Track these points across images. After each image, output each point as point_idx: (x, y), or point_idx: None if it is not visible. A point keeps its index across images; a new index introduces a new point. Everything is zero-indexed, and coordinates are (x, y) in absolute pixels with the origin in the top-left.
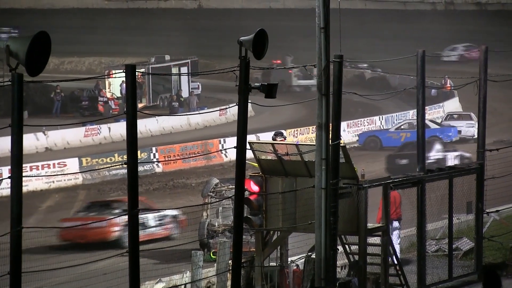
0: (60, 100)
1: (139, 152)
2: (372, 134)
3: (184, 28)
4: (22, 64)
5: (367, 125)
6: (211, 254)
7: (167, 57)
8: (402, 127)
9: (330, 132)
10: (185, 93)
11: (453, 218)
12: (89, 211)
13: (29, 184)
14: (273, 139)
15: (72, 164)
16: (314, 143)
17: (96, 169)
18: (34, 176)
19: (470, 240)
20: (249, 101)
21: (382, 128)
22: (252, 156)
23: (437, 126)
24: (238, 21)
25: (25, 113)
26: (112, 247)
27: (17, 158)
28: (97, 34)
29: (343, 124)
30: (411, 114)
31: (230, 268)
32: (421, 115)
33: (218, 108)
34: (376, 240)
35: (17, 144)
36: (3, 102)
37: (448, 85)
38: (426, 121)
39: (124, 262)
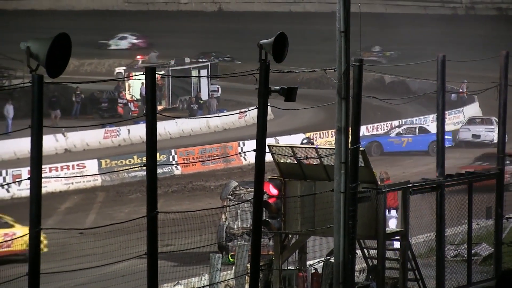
0: (80, 102)
1: (158, 154)
2: (373, 139)
3: (204, 30)
4: (43, 66)
5: (387, 130)
6: (230, 257)
7: (187, 60)
8: (401, 132)
9: (350, 136)
10: (204, 96)
11: (473, 223)
12: (482, 161)
13: (48, 186)
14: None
15: (91, 165)
16: (333, 147)
17: (115, 171)
18: (53, 178)
19: (489, 245)
20: (269, 104)
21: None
22: (271, 159)
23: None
24: (258, 24)
25: (57, 112)
26: None
27: (36, 159)
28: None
29: (362, 128)
30: (431, 119)
31: (248, 271)
32: (441, 120)
33: (237, 111)
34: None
35: (36, 145)
36: (23, 103)
37: (465, 89)
38: (427, 127)
39: (143, 264)
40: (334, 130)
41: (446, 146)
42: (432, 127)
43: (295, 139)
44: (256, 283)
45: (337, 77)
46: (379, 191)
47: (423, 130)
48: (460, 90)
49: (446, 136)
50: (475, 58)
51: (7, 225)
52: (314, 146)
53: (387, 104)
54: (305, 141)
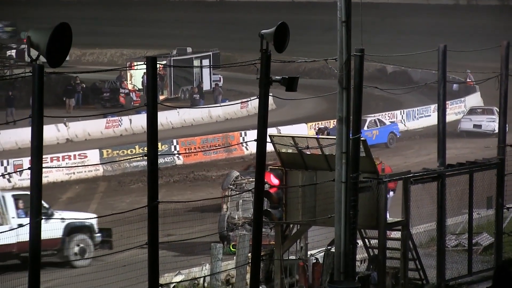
0: (80, 91)
1: (159, 144)
2: None
3: (206, 20)
4: (43, 55)
5: (389, 119)
6: (231, 247)
7: (189, 50)
8: (368, 126)
9: (351, 126)
10: (206, 86)
11: (473, 213)
12: None
13: (50, 175)
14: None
15: (93, 155)
16: (335, 137)
17: (116, 161)
18: (55, 167)
19: (490, 235)
20: (270, 94)
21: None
22: (273, 149)
23: (389, 123)
24: (260, 14)
25: (72, 100)
26: None
27: (37, 149)
28: (119, 26)
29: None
30: (433, 109)
31: (250, 261)
32: (441, 110)
33: (239, 101)
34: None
35: (37, 134)
36: (24, 93)
37: (469, 80)
38: (384, 120)
39: (144, 254)
40: (335, 120)
41: (399, 136)
42: (434, 117)
43: (297, 129)
44: (257, 273)
45: (338, 67)
46: (380, 181)
47: (381, 123)
48: (468, 80)
49: (399, 129)
50: (476, 48)
51: None
52: (316, 136)
53: (389, 94)
54: (322, 127)
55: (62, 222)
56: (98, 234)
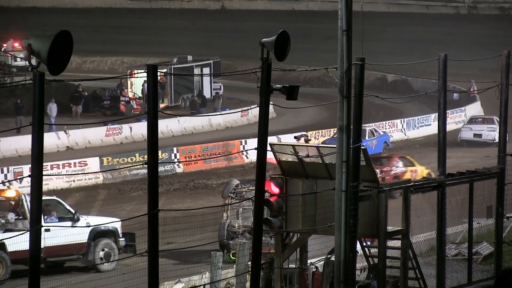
0: (82, 99)
1: (160, 152)
2: None
3: (206, 28)
4: (44, 63)
5: (389, 128)
6: (231, 255)
7: (190, 58)
8: (368, 136)
9: (351, 134)
10: (207, 94)
11: (473, 223)
12: None
13: (50, 183)
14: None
15: (93, 163)
16: (335, 145)
17: (117, 169)
18: (55, 175)
19: (490, 244)
20: (271, 102)
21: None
22: (273, 157)
23: (382, 133)
24: (260, 23)
25: (79, 107)
26: None
27: (37, 157)
28: (119, 34)
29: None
30: (433, 118)
31: (249, 270)
32: (442, 119)
33: (239, 109)
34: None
35: (37, 142)
36: (25, 100)
37: (472, 89)
38: (379, 129)
39: (143, 262)
40: (336, 129)
41: (390, 146)
42: (434, 126)
43: None
44: (257, 281)
45: (339, 75)
46: (380, 190)
47: (377, 132)
48: (472, 89)
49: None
50: (477, 57)
51: (411, 164)
52: (316, 145)
53: (390, 103)
54: (302, 137)
55: (87, 227)
56: (122, 239)
